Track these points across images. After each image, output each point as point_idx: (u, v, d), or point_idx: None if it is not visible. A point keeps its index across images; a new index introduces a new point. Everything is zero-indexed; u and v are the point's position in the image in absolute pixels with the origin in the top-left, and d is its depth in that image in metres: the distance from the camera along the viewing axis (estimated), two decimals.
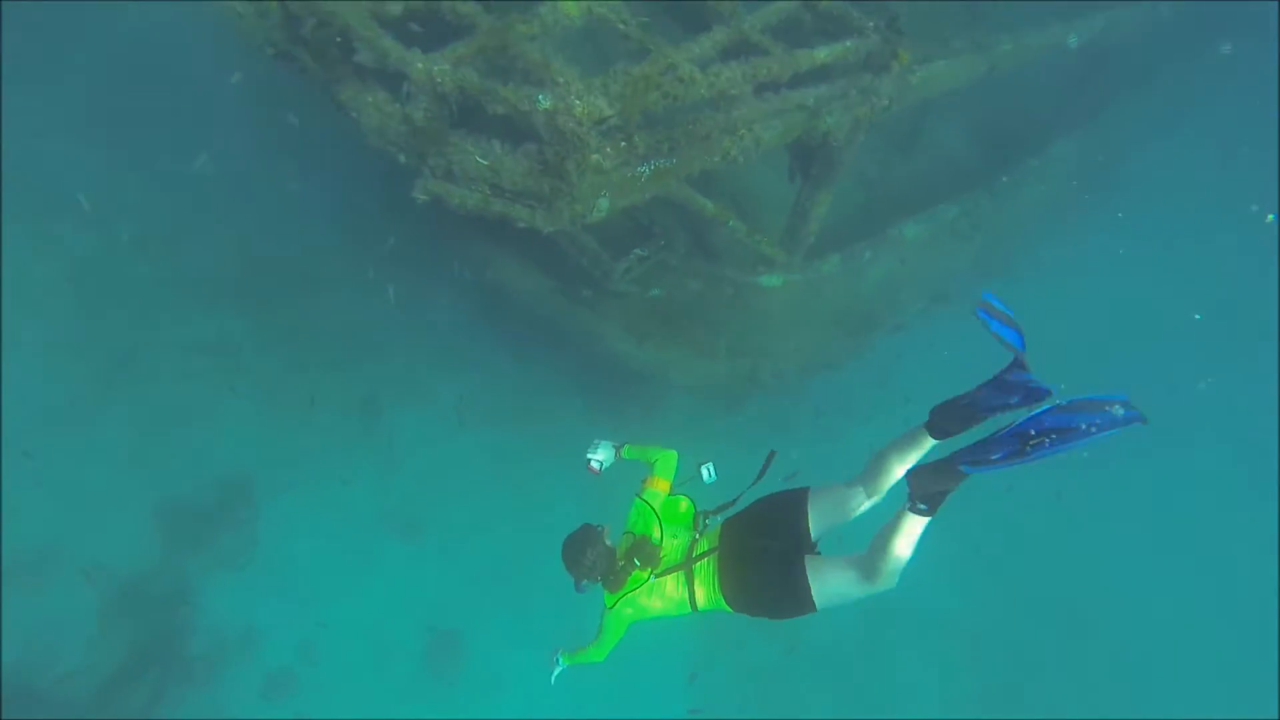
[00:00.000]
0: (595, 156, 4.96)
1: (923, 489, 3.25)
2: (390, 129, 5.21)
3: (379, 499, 9.84)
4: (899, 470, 3.59)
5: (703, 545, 4.00)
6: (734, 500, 4.10)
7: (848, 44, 5.87)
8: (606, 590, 3.98)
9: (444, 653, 9.39)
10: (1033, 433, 2.91)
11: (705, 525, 4.10)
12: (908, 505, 3.34)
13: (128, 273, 10.59)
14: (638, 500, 4.13)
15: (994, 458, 2.99)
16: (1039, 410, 2.95)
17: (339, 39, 5.37)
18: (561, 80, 4.86)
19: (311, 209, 10.92)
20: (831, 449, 8.77)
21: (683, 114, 5.38)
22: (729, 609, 3.92)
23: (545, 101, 4.70)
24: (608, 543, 3.95)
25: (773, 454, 4.14)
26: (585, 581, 3.94)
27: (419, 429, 10.28)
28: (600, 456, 4.34)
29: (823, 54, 5.73)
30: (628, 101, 4.88)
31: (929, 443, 3.52)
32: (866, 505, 3.77)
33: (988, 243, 9.13)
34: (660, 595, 3.96)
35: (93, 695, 8.58)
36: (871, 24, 6.04)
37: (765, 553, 3.77)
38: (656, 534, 4.00)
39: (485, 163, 4.97)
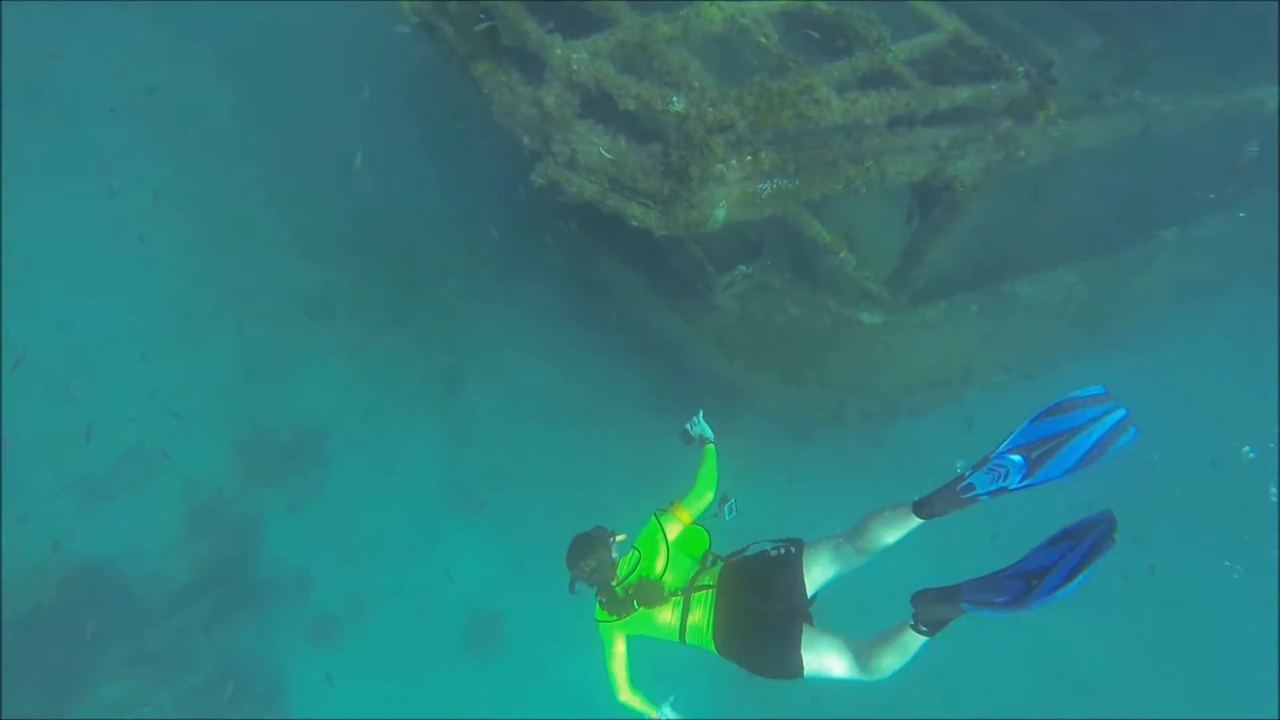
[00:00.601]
0: (720, 166, 4.92)
1: (925, 614, 3.33)
2: (520, 110, 5.28)
3: (446, 470, 10.01)
4: (888, 539, 3.64)
5: (703, 580, 3.98)
6: (744, 549, 4.09)
7: (993, 87, 5.65)
8: (599, 604, 3.99)
9: (484, 632, 9.46)
10: (1036, 573, 2.92)
11: (710, 563, 4.09)
12: (910, 622, 3.41)
13: (256, 216, 11.13)
14: (655, 519, 4.08)
15: (998, 601, 3.01)
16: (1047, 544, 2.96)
17: (482, 16, 5.49)
18: (697, 85, 4.84)
19: (433, 188, 11.26)
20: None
21: (811, 136, 5.29)
22: (714, 651, 3.91)
23: (679, 104, 4.68)
24: (614, 554, 3.93)
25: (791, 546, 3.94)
26: (579, 584, 3.96)
27: (495, 409, 10.42)
28: (697, 432, 4.38)
29: (965, 94, 5.54)
30: (760, 116, 4.81)
31: (915, 521, 3.53)
32: (859, 563, 3.78)
33: (1106, 314, 8.66)
34: (652, 622, 3.97)
35: (165, 601, 9.02)
36: (1023, 69, 5.79)
37: (763, 616, 3.78)
38: (660, 567, 3.94)
39: (609, 156, 4.98)
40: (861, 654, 3.62)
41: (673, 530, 4.02)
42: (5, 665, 8.43)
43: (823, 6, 5.86)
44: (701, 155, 4.82)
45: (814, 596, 3.82)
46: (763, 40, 5.36)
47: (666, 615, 3.95)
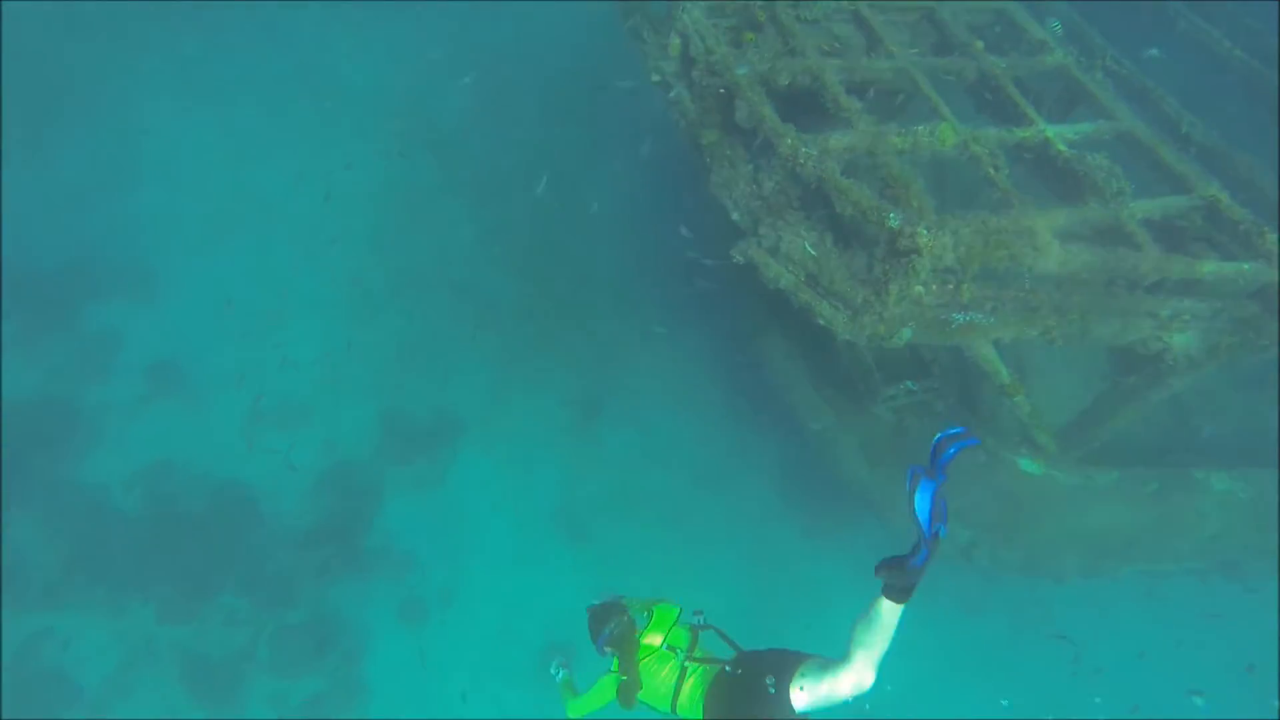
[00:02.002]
0: (919, 289, 4.86)
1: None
2: (736, 186, 5.44)
3: (563, 492, 10.25)
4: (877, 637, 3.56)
5: (698, 652, 4.32)
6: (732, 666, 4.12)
7: (1245, 267, 5.24)
8: (618, 659, 4.37)
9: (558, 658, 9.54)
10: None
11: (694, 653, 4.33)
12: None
13: (452, 212, 11.98)
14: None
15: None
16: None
17: (722, 90, 5.71)
18: (916, 205, 4.82)
19: (627, 223, 11.72)
20: None
21: (1018, 278, 5.12)
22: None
23: (894, 221, 4.67)
24: (630, 618, 4.42)
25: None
26: (608, 649, 4.39)
27: (624, 446, 10.59)
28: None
29: (1208, 269, 5.18)
30: (972, 250, 4.73)
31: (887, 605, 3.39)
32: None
33: None
34: (656, 675, 4.24)
35: (287, 539, 9.74)
36: None
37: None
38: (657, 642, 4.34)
39: (813, 253, 5.03)
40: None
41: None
42: (148, 554, 9.38)
43: (1063, 149, 5.70)
44: (904, 275, 4.78)
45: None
46: (991, 172, 5.28)
47: (666, 672, 4.24)
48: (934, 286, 4.93)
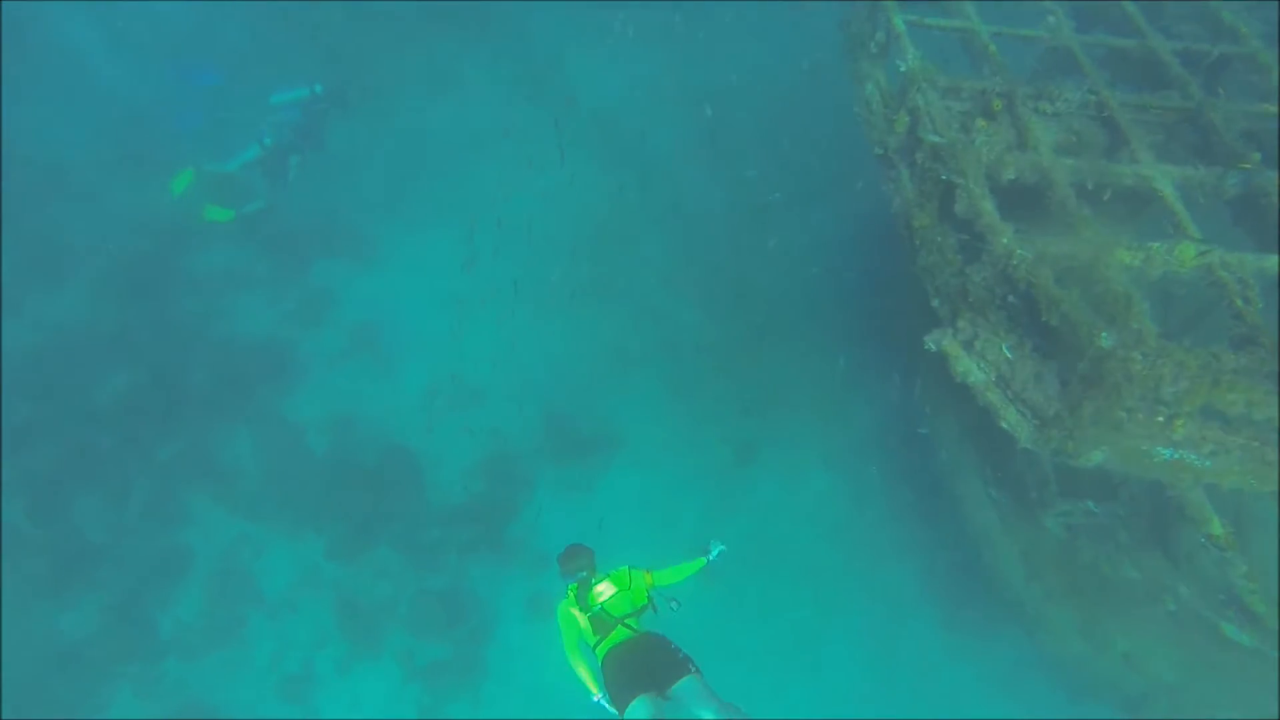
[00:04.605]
0: (1121, 414, 4.55)
1: None
2: (942, 274, 5.33)
3: (703, 528, 10.33)
4: None
5: (628, 623, 5.53)
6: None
7: None
8: (572, 594, 5.64)
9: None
10: None
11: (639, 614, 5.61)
12: None
13: (649, 236, 12.54)
14: (627, 568, 5.72)
15: None
16: None
17: (944, 177, 5.60)
18: (1136, 328, 4.52)
19: (814, 270, 11.71)
20: None
21: (1254, 424, 4.64)
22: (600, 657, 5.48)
23: (1106, 341, 4.41)
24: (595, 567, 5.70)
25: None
26: (567, 580, 5.69)
27: (774, 497, 10.52)
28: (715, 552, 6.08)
29: None
30: (1197, 386, 4.35)
31: None
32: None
33: None
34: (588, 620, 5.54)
35: (441, 510, 10.52)
36: None
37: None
38: (609, 594, 5.55)
39: (1009, 356, 4.84)
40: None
41: (637, 580, 5.67)
42: (326, 494, 10.48)
43: None
44: (1106, 398, 4.49)
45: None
46: (1240, 304, 4.82)
47: (591, 625, 5.51)
48: (1140, 415, 4.59)
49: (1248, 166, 5.73)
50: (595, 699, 5.51)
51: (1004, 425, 5.00)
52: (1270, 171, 5.84)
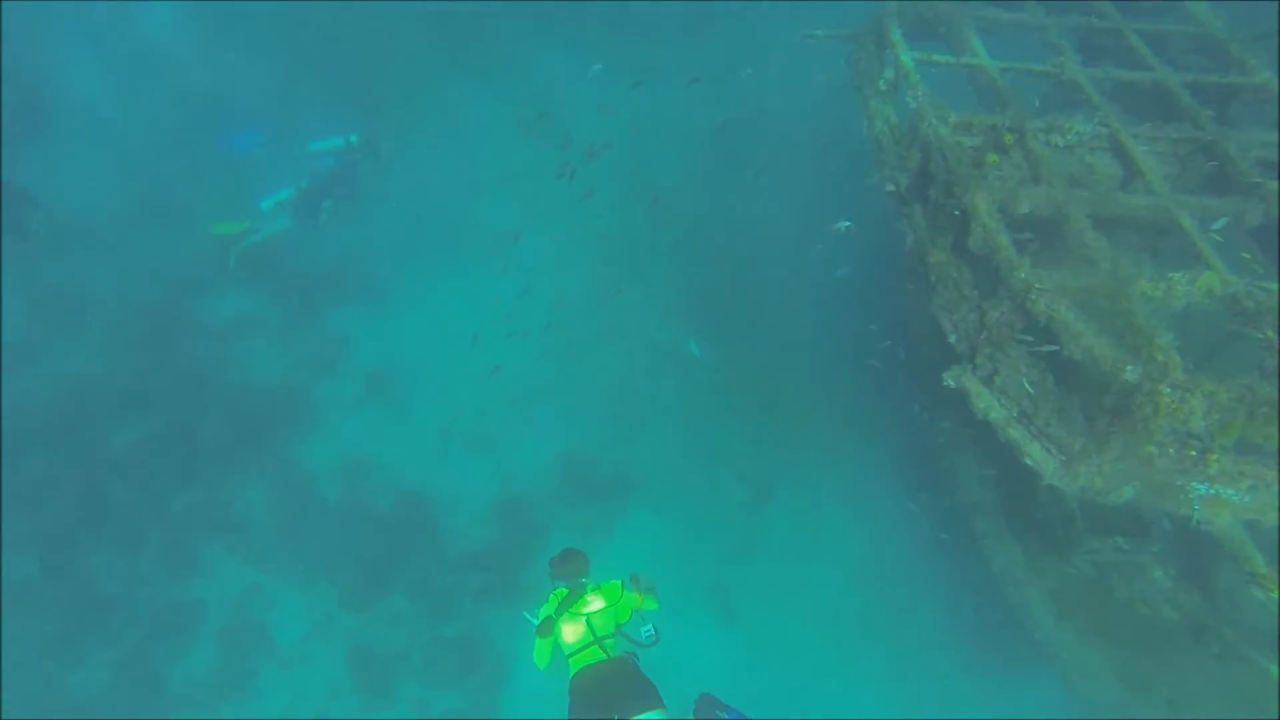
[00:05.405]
0: (1150, 449, 4.43)
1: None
2: (958, 310, 5.26)
3: (720, 568, 10.17)
4: None
5: (607, 643, 5.42)
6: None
7: None
8: (557, 597, 5.56)
9: None
10: None
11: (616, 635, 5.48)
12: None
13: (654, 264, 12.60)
14: (620, 583, 5.63)
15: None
16: None
17: (957, 213, 5.57)
18: (1161, 360, 4.42)
19: (824, 307, 11.65)
20: None
21: None
22: (571, 676, 5.39)
23: (1133, 375, 4.32)
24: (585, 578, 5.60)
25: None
26: (559, 583, 5.61)
27: (790, 536, 10.36)
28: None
29: None
30: (1231, 421, 4.24)
31: None
32: None
33: None
34: (571, 632, 5.43)
35: (455, 556, 10.40)
36: None
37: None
38: (600, 607, 5.46)
39: (1030, 390, 4.75)
40: None
41: (627, 599, 5.57)
42: (339, 542, 10.37)
43: None
44: (1134, 432, 4.38)
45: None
46: (1269, 334, 4.72)
47: (572, 637, 5.42)
48: (1171, 450, 4.47)
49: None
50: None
51: (1029, 462, 4.88)
52: None
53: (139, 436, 11.16)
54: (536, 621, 5.59)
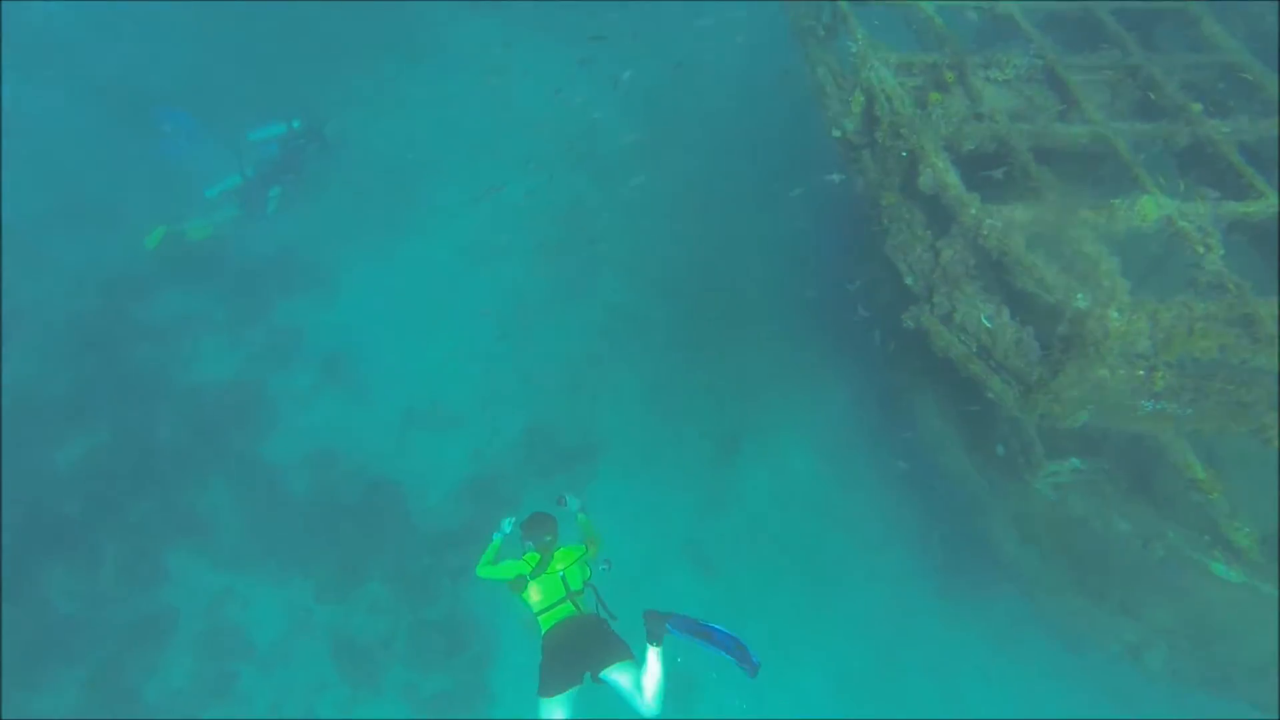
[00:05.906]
0: (1103, 372, 4.60)
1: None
2: (913, 251, 5.35)
3: (694, 524, 10.32)
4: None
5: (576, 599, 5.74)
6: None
7: None
8: (535, 558, 5.83)
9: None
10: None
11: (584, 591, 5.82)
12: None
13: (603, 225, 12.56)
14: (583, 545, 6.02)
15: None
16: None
17: (905, 154, 5.63)
18: (1108, 285, 4.57)
19: (781, 257, 11.73)
20: None
21: (1229, 369, 4.73)
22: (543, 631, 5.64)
23: (1082, 301, 4.46)
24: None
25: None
26: (529, 545, 5.88)
27: (759, 486, 10.54)
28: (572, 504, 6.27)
29: None
30: (1174, 338, 4.43)
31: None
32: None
33: None
34: (544, 588, 5.70)
35: (429, 538, 10.32)
36: None
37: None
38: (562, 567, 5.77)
39: (988, 325, 4.87)
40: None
41: (586, 554, 5.96)
42: (310, 535, 10.23)
43: None
44: (1086, 357, 4.54)
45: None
46: (1201, 250, 4.91)
47: (536, 596, 5.68)
48: (1121, 371, 4.65)
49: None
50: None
51: (990, 395, 5.03)
52: (1213, 121, 5.98)
53: (84, 450, 10.78)
54: (508, 530, 6.05)
